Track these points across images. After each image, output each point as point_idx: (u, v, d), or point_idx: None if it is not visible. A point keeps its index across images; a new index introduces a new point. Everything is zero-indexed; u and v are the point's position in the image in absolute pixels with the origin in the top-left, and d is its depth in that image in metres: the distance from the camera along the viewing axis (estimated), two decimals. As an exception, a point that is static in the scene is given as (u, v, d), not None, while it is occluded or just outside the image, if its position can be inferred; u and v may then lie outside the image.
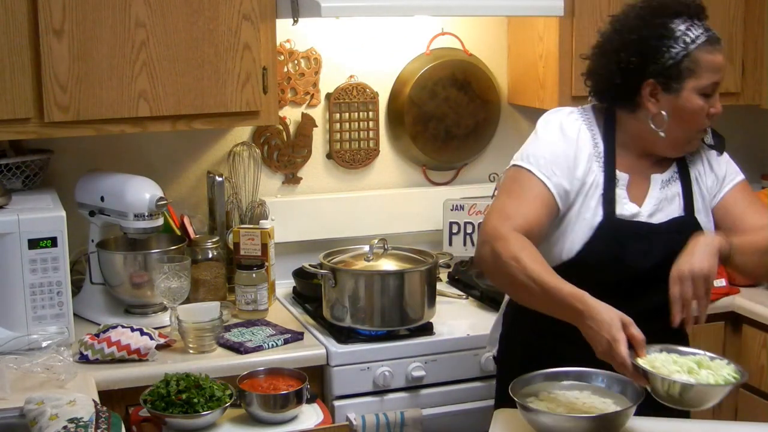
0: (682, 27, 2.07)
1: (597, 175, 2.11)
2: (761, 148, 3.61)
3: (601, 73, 2.15)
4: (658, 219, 2.13)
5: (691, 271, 1.93)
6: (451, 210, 3.13)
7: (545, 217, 2.07)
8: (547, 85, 3.04)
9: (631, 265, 2.09)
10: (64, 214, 2.45)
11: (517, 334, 2.26)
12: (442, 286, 2.94)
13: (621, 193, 2.12)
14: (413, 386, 2.56)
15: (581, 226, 2.09)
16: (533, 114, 3.30)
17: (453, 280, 3.08)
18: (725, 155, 2.24)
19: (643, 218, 2.12)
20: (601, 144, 2.14)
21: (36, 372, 2.25)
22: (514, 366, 2.10)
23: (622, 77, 2.11)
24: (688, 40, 2.06)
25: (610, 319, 1.81)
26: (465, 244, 3.13)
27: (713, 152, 2.22)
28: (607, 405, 1.88)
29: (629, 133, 2.16)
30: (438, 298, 2.69)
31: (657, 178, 2.16)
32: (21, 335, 2.40)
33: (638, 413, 1.86)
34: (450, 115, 3.22)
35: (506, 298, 2.31)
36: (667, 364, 1.82)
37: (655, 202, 2.14)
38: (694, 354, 1.89)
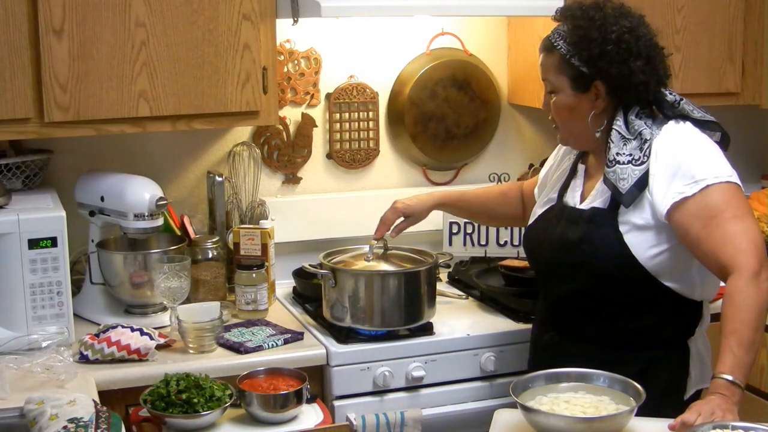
0: None
1: None
2: (761, 148, 3.61)
3: None
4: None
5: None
6: (452, 210, 3.13)
7: None
8: (547, 85, 3.04)
9: None
10: (64, 214, 2.45)
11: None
12: (442, 286, 2.94)
13: None
14: (413, 386, 2.56)
15: None
16: (533, 114, 3.30)
17: (453, 280, 3.07)
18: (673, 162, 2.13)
19: None
20: None
21: (36, 372, 2.25)
22: None
23: None
24: None
25: None
26: (465, 244, 3.13)
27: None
28: (607, 405, 1.88)
29: None
30: (438, 298, 2.69)
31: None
32: (21, 335, 2.39)
33: (639, 414, 1.86)
34: (450, 115, 3.22)
35: None
36: None
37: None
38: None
